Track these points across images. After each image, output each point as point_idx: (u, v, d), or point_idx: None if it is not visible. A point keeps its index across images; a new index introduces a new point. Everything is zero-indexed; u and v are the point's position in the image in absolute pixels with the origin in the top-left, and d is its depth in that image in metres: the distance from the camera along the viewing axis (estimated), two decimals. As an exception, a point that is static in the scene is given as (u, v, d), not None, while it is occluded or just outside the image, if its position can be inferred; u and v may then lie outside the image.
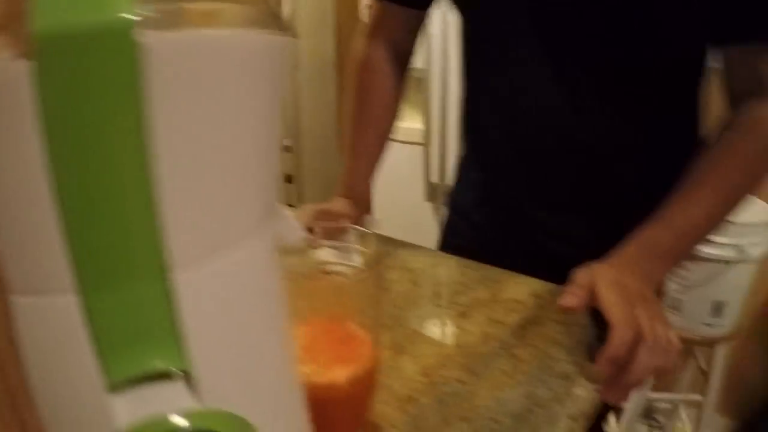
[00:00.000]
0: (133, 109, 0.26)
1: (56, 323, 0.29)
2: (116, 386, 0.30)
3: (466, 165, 1.23)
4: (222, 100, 0.30)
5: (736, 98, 0.85)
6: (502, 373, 0.68)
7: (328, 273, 0.61)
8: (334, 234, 0.62)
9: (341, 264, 0.60)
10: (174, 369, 0.30)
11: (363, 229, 0.56)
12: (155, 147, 0.27)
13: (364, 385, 0.54)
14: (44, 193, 0.26)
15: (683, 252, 0.82)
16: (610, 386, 0.67)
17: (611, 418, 2.26)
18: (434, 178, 2.54)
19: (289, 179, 4.05)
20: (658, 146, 0.97)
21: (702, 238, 0.83)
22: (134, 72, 0.26)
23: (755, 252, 1.70)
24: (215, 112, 0.29)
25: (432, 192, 2.56)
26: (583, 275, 0.75)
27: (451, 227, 1.25)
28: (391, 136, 1.17)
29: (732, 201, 0.82)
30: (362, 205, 1.10)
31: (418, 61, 2.59)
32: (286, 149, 3.93)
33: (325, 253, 0.64)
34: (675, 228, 0.79)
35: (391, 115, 1.16)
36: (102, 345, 0.29)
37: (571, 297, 0.71)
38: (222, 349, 0.32)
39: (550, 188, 1.03)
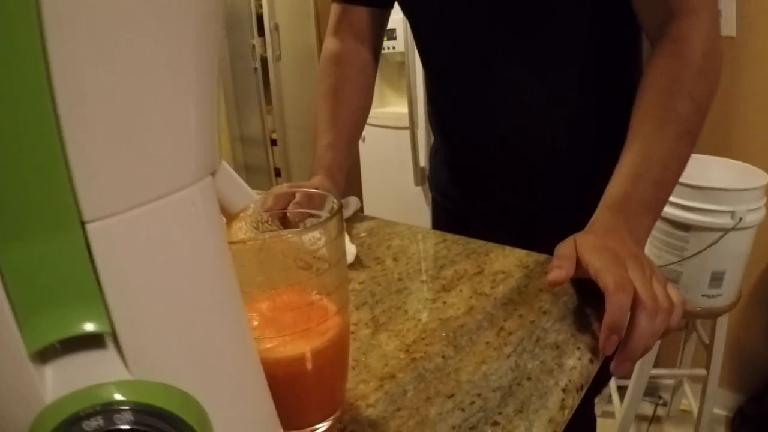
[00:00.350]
0: (30, 37, 0.23)
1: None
2: (39, 353, 0.26)
3: (437, 149, 1.27)
4: (139, 29, 0.26)
5: (654, 32, 0.84)
6: (488, 346, 0.63)
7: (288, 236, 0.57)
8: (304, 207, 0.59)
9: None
10: (103, 333, 0.27)
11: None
12: (58, 80, 0.23)
13: (333, 358, 0.50)
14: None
15: (661, 198, 0.77)
16: (615, 357, 0.62)
17: (614, 396, 2.23)
18: (423, 162, 2.49)
19: (278, 172, 4.02)
20: (604, 106, 0.99)
21: (675, 175, 0.78)
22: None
23: (752, 218, 1.65)
24: (131, 43, 0.26)
25: (422, 176, 2.51)
26: (565, 246, 0.71)
27: (436, 207, 1.30)
28: (362, 129, 1.20)
29: (688, 127, 0.78)
30: (338, 187, 1.08)
31: (399, 44, 2.59)
32: (273, 143, 3.90)
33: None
34: (643, 176, 0.75)
35: (365, 99, 1.18)
36: (18, 306, 0.26)
37: (558, 271, 0.66)
38: (154, 312, 0.29)
39: (512, 167, 1.06)
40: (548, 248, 0.80)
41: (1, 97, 0.23)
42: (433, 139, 1.29)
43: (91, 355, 0.27)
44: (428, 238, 0.95)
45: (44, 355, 0.27)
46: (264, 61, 3.64)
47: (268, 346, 0.46)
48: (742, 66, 1.95)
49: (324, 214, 0.53)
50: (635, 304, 0.61)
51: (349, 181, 3.31)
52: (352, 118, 1.14)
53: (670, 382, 2.35)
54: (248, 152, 4.20)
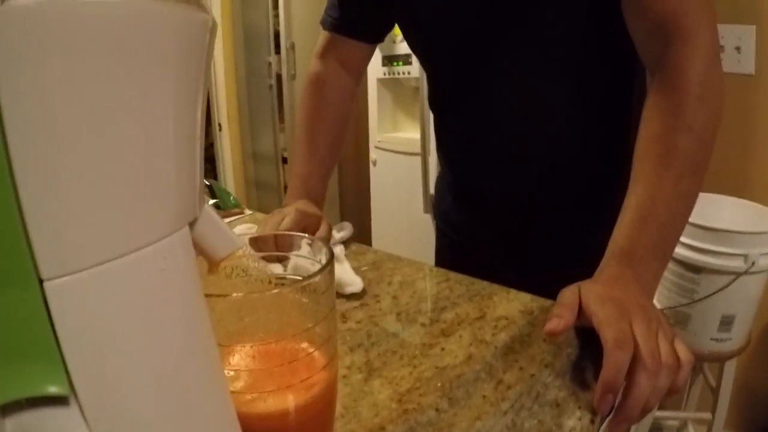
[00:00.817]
0: None
1: None
2: None
3: (443, 177, 1.27)
4: (104, 67, 0.24)
5: (650, 60, 0.81)
6: (485, 400, 0.60)
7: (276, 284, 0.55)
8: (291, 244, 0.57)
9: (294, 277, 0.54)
10: (63, 393, 0.25)
11: (337, 236, 0.50)
12: (10, 124, 0.22)
13: (318, 414, 0.47)
14: None
15: (669, 240, 0.74)
16: (611, 418, 0.59)
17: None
18: (433, 189, 2.47)
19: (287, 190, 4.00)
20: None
21: (683, 214, 0.75)
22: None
23: (766, 262, 1.62)
24: (95, 82, 0.24)
25: (431, 203, 2.48)
26: (568, 294, 0.68)
27: (439, 235, 1.28)
28: (339, 155, 1.22)
29: (693, 162, 0.74)
30: (320, 206, 1.11)
31: (414, 70, 2.58)
32: (284, 160, 3.89)
33: (292, 265, 0.58)
34: (647, 220, 0.72)
35: (342, 127, 1.20)
36: None
37: (556, 321, 0.64)
38: (118, 373, 0.27)
39: (514, 195, 1.05)
40: (553, 281, 0.78)
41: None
42: (440, 167, 1.28)
43: (52, 413, 0.25)
44: (431, 276, 0.92)
45: (5, 410, 0.25)
46: (279, 79, 3.64)
47: (249, 399, 0.44)
48: (760, 104, 1.91)
49: (311, 257, 0.51)
50: (635, 362, 0.58)
51: (358, 204, 3.29)
52: (330, 143, 1.16)
53: (675, 423, 2.30)
54: (259, 169, 4.20)
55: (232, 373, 0.43)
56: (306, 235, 0.54)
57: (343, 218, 3.57)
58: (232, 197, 1.46)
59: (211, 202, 1.42)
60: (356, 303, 0.84)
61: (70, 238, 0.24)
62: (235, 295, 0.41)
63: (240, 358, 0.44)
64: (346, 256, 0.97)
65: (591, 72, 0.91)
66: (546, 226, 1.03)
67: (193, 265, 0.32)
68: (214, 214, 0.37)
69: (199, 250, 0.37)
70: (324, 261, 0.47)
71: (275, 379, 0.44)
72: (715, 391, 1.94)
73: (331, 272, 0.46)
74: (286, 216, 0.94)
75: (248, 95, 4.03)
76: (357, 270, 0.94)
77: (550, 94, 0.94)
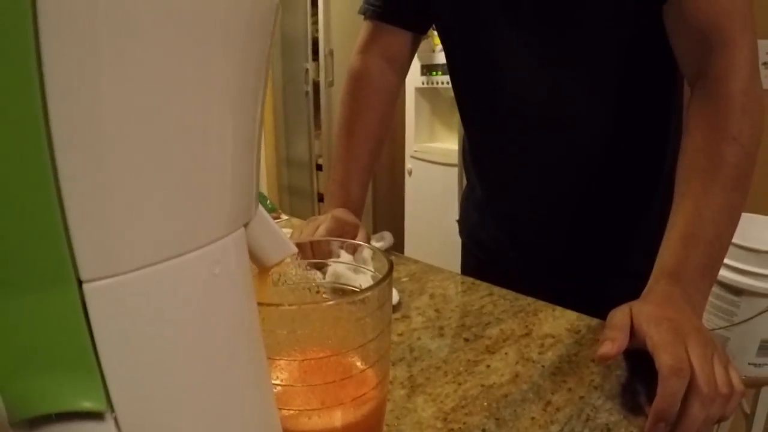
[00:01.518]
0: (25, 71, 0.19)
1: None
2: (25, 424, 0.23)
3: (470, 191, 1.22)
4: (165, 55, 0.22)
5: (691, 71, 0.79)
6: (533, 422, 0.58)
7: (325, 294, 0.53)
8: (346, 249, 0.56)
9: (346, 285, 0.53)
10: (100, 409, 0.23)
11: (376, 246, 0.49)
12: (55, 119, 0.20)
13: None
14: None
15: (716, 258, 0.72)
16: None
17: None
18: (468, 201, 2.45)
19: (320, 198, 4.00)
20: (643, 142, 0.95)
21: (729, 230, 0.73)
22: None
23: (809, 286, 1.57)
24: (146, 69, 0.21)
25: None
26: (620, 316, 0.66)
27: (465, 253, 1.25)
28: (380, 157, 1.16)
29: (738, 174, 0.72)
30: (358, 214, 1.06)
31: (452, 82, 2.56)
32: (319, 168, 3.89)
33: (332, 272, 0.56)
34: (695, 237, 0.70)
35: (384, 128, 1.14)
36: (4, 371, 0.22)
37: (609, 344, 0.61)
38: (160, 387, 0.25)
39: (552, 213, 1.01)
40: (586, 301, 0.76)
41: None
42: (467, 181, 1.24)
43: (85, 428, 0.23)
44: (474, 290, 0.90)
45: (33, 423, 0.23)
46: (316, 86, 3.64)
47: (294, 416, 0.42)
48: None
49: (364, 266, 0.49)
50: (691, 389, 0.56)
51: (392, 214, 3.27)
52: (370, 149, 1.11)
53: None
54: (293, 175, 4.20)
55: (279, 387, 0.42)
56: (344, 240, 0.53)
57: (376, 228, 3.55)
58: (268, 201, 1.45)
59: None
60: (397, 315, 0.82)
61: (113, 237, 0.22)
62: (289, 305, 0.40)
63: (289, 371, 0.43)
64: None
65: (630, 83, 0.89)
66: (579, 244, 1.00)
67: (248, 270, 0.30)
68: (267, 216, 0.35)
69: (251, 253, 0.35)
70: (373, 269, 0.45)
71: (325, 395, 0.42)
72: (749, 418, 1.88)
73: (389, 285, 0.44)
74: (321, 224, 0.92)
75: (284, 101, 4.03)
76: (396, 281, 0.93)
77: (589, 107, 0.91)
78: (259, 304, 0.34)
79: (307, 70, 3.71)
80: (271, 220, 0.35)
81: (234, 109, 0.26)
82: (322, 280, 0.55)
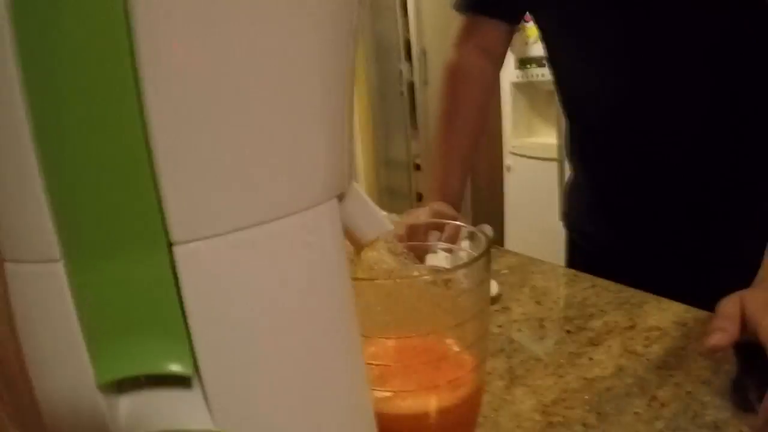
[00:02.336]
0: (119, 46, 0.20)
1: (43, 295, 0.23)
2: (112, 386, 0.24)
3: (575, 184, 1.17)
4: (246, 22, 0.22)
5: None
6: (637, 417, 0.56)
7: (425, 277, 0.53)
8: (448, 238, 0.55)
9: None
10: (186, 373, 0.23)
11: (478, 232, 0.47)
12: (149, 86, 0.20)
13: (460, 419, 0.44)
14: (25, 146, 0.21)
15: None
16: None
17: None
18: (568, 196, 2.40)
19: (419, 197, 4.00)
20: None
21: None
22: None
23: None
24: (233, 38, 0.22)
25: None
26: (729, 305, 0.62)
27: (571, 248, 1.20)
28: (476, 151, 1.13)
29: None
30: (456, 208, 1.04)
31: (548, 72, 2.51)
32: (417, 167, 3.88)
33: (433, 258, 0.56)
34: None
35: (482, 120, 1.12)
36: (91, 332, 0.23)
37: (720, 334, 0.58)
38: (248, 355, 0.25)
39: (663, 201, 0.95)
40: (697, 296, 0.72)
41: (87, 105, 0.20)
42: (572, 173, 1.20)
43: (172, 394, 0.24)
44: (576, 281, 0.88)
45: (121, 386, 0.24)
46: (411, 86, 3.64)
47: (388, 397, 0.42)
48: None
49: (462, 249, 0.48)
50: None
51: (492, 210, 3.23)
52: (468, 142, 1.09)
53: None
54: (391, 176, 4.21)
55: (373, 367, 0.42)
56: (443, 221, 0.52)
57: (475, 225, 3.51)
58: (365, 201, 1.46)
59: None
60: (496, 307, 0.80)
61: (204, 200, 0.22)
62: (383, 280, 0.39)
63: (382, 351, 0.42)
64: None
65: (756, 78, 0.84)
66: (690, 234, 0.95)
67: (342, 242, 0.29)
68: (362, 192, 0.34)
69: (345, 230, 0.35)
70: (482, 245, 0.44)
71: (419, 376, 0.42)
72: None
73: (488, 264, 0.43)
74: (420, 215, 0.91)
75: (380, 102, 4.05)
76: (496, 273, 0.91)
77: (709, 96, 0.86)
78: (353, 279, 0.34)
79: (401, 71, 3.71)
80: (366, 196, 0.35)
81: (323, 77, 0.26)
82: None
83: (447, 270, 0.41)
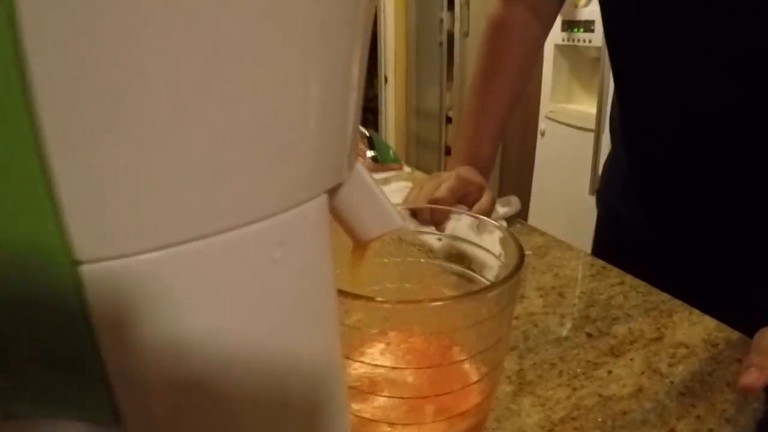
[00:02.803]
0: None
1: None
2: None
3: (614, 159, 1.08)
4: None
5: None
6: (654, 450, 0.51)
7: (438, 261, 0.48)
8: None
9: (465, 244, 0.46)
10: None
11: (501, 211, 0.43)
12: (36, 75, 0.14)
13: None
14: None
15: None
16: None
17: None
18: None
19: (448, 150, 3.92)
20: None
21: None
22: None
23: None
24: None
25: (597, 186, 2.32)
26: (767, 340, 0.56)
27: (600, 227, 1.13)
28: (512, 116, 1.05)
29: None
30: (485, 174, 0.97)
31: (596, 38, 2.40)
32: (448, 120, 3.80)
33: (450, 230, 0.50)
34: None
35: (523, 82, 1.03)
36: None
37: (754, 374, 0.52)
38: (186, 400, 0.20)
39: (712, 186, 0.86)
40: (732, 315, 0.67)
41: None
42: (611, 148, 1.12)
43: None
44: (604, 275, 0.82)
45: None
46: (450, 37, 3.54)
47: (374, 415, 0.36)
48: None
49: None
50: None
51: (520, 177, 3.16)
52: (505, 104, 1.01)
53: None
54: (422, 126, 4.14)
55: (362, 406, 0.36)
56: (470, 214, 0.47)
57: (502, 191, 3.45)
58: (391, 151, 1.40)
59: (369, 154, 1.37)
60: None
61: (120, 210, 0.16)
62: (381, 301, 0.34)
63: (384, 380, 0.37)
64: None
65: None
66: (729, 236, 0.88)
67: (326, 250, 0.24)
68: (369, 179, 0.28)
69: (344, 224, 0.29)
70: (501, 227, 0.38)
71: (414, 410, 0.36)
72: None
73: (518, 283, 0.37)
74: (444, 182, 0.86)
75: (417, 50, 3.96)
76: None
77: None
78: (342, 293, 0.28)
79: (441, 20, 3.60)
80: (374, 183, 0.29)
81: (311, 17, 0.19)
82: (439, 239, 0.50)
83: (465, 295, 0.35)
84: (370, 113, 4.44)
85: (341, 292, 0.30)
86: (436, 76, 3.79)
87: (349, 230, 0.29)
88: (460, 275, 0.47)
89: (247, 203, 0.19)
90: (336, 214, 0.27)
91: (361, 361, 0.34)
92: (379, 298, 0.32)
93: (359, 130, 0.27)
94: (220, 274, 0.19)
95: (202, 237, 0.18)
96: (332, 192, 0.24)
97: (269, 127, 0.19)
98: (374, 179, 0.29)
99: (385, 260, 0.46)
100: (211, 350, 0.19)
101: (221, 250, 0.19)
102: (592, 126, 2.35)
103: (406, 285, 0.48)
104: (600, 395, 0.57)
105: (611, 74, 0.99)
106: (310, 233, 0.22)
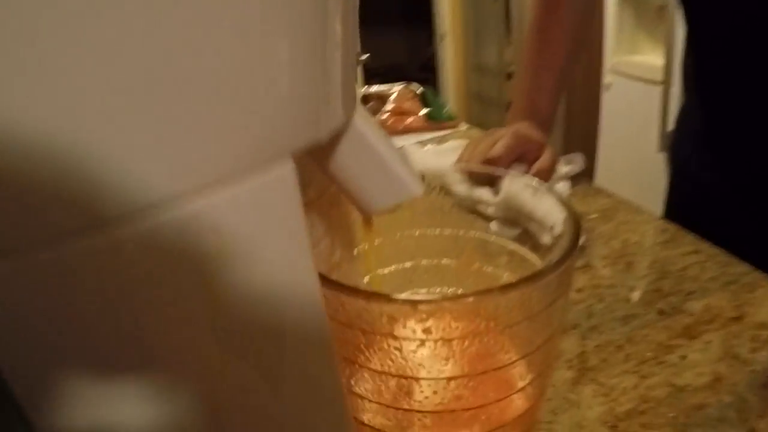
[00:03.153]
0: None
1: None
2: None
3: (687, 114, 0.99)
4: None
5: None
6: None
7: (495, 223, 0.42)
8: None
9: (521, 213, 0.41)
10: None
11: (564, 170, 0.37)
12: None
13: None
14: None
15: None
16: None
17: None
18: (672, 126, 2.18)
19: (509, 107, 3.81)
20: None
21: None
22: None
23: None
24: None
25: (667, 142, 2.19)
26: None
27: (672, 187, 1.04)
28: (580, 55, 0.99)
29: None
30: (546, 130, 0.90)
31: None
32: (509, 76, 3.69)
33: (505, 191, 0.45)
34: None
35: (583, 29, 0.96)
36: None
37: None
38: None
39: None
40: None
41: None
42: (684, 101, 1.02)
43: None
44: (676, 241, 0.74)
45: None
46: (508, -11, 3.42)
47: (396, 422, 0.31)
48: None
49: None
50: None
51: (584, 133, 3.06)
52: (565, 52, 0.93)
53: None
54: (482, 82, 4.04)
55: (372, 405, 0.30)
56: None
57: (566, 148, 3.33)
58: (446, 108, 1.33)
59: (423, 111, 1.30)
60: (579, 262, 0.68)
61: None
62: (404, 296, 0.27)
63: (389, 387, 0.31)
64: (571, 196, 0.81)
65: None
66: None
67: (303, 241, 0.18)
68: (376, 138, 0.22)
69: (347, 193, 0.23)
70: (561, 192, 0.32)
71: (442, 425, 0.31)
72: None
73: (570, 270, 0.30)
74: (500, 139, 0.79)
75: (474, 5, 3.84)
76: (583, 217, 0.78)
77: None
78: (336, 287, 0.23)
79: (499, -29, 3.49)
80: (382, 143, 0.23)
81: None
82: (492, 198, 0.44)
83: (500, 289, 0.28)
84: (428, 71, 4.38)
85: (336, 285, 0.24)
86: (494, 31, 3.68)
87: (354, 201, 0.24)
88: (510, 252, 0.41)
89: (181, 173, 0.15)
90: (337, 182, 0.21)
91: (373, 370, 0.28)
92: (386, 293, 0.26)
93: (351, 83, 0.21)
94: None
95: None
96: (323, 154, 0.18)
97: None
98: (384, 138, 0.23)
99: (418, 232, 0.40)
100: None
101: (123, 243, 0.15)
102: (660, 78, 2.22)
103: (444, 260, 0.42)
104: (672, 385, 0.50)
105: (679, 21, 0.90)
106: (269, 212, 0.17)
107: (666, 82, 2.20)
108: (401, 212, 0.39)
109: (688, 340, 0.55)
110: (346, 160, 0.22)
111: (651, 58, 2.50)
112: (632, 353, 0.54)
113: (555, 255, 0.31)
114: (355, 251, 0.36)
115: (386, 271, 0.40)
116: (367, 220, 0.27)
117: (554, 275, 0.27)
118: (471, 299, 0.26)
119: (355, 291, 0.25)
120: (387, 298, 0.26)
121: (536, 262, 0.39)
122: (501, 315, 0.27)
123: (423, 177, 0.44)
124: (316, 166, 0.22)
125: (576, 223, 0.32)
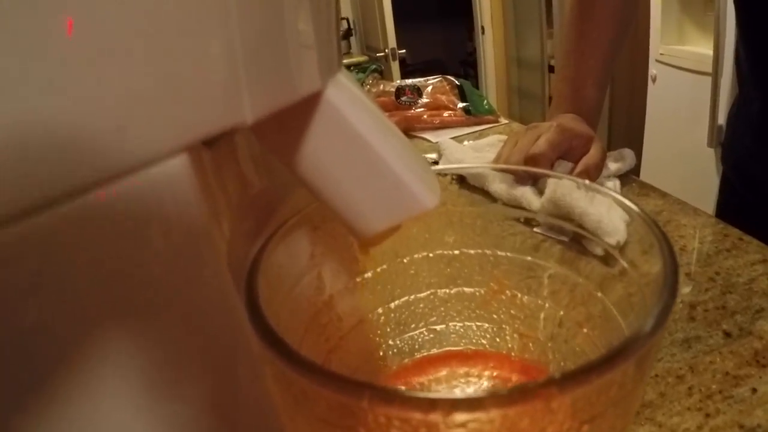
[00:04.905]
0: None
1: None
2: None
3: (741, 106, 0.91)
4: None
5: None
6: None
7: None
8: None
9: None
10: None
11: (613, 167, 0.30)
12: None
13: None
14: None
15: None
16: None
17: None
18: (722, 119, 2.08)
19: (551, 101, 3.73)
20: None
21: None
22: None
23: None
24: None
25: (718, 136, 2.10)
26: None
27: (725, 186, 0.97)
28: (625, 39, 0.91)
29: None
30: (592, 123, 0.84)
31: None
32: (551, 69, 3.61)
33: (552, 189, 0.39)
34: None
35: (627, 13, 0.88)
36: None
37: None
38: None
39: None
40: None
41: None
42: (738, 93, 0.95)
43: None
44: (742, 249, 0.66)
45: None
46: (549, -20, 3.38)
47: None
48: None
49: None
50: None
51: (630, 126, 2.99)
52: (609, 37, 0.87)
53: None
54: (523, 76, 4.02)
55: None
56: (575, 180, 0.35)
57: (611, 143, 3.24)
58: (485, 102, 1.27)
59: (461, 105, 1.25)
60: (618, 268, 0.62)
61: None
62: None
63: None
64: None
65: None
66: None
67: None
68: (365, 121, 0.17)
69: (329, 206, 0.18)
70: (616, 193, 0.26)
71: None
72: None
73: (659, 338, 0.23)
74: (543, 133, 0.74)
75: (515, -2, 3.81)
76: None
77: None
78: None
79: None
80: (380, 132, 0.17)
81: None
82: (538, 200, 0.38)
83: (555, 381, 0.21)
84: (468, 66, 4.35)
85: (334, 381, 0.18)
86: (535, 24, 3.66)
87: (341, 219, 0.18)
88: (552, 275, 0.36)
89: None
90: (314, 192, 0.16)
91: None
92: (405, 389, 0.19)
93: (308, 40, 0.15)
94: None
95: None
96: (284, 147, 0.15)
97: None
98: (384, 126, 0.17)
99: (432, 254, 0.34)
100: None
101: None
102: (709, 69, 2.13)
103: (465, 289, 0.36)
104: (741, 426, 0.43)
105: (728, 9, 0.83)
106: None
107: (715, 73, 2.10)
108: (408, 229, 0.33)
109: (758, 369, 0.48)
110: (321, 157, 0.16)
111: (699, 48, 2.41)
112: (695, 385, 0.47)
113: (652, 309, 0.23)
114: (358, 279, 0.30)
115: (392, 305, 0.34)
116: (364, 246, 0.21)
117: (651, 342, 0.21)
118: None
119: (358, 391, 0.18)
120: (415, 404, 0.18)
121: (587, 286, 0.33)
122: (580, 408, 0.20)
123: (461, 179, 0.38)
124: (285, 169, 0.16)
125: (667, 246, 0.26)
